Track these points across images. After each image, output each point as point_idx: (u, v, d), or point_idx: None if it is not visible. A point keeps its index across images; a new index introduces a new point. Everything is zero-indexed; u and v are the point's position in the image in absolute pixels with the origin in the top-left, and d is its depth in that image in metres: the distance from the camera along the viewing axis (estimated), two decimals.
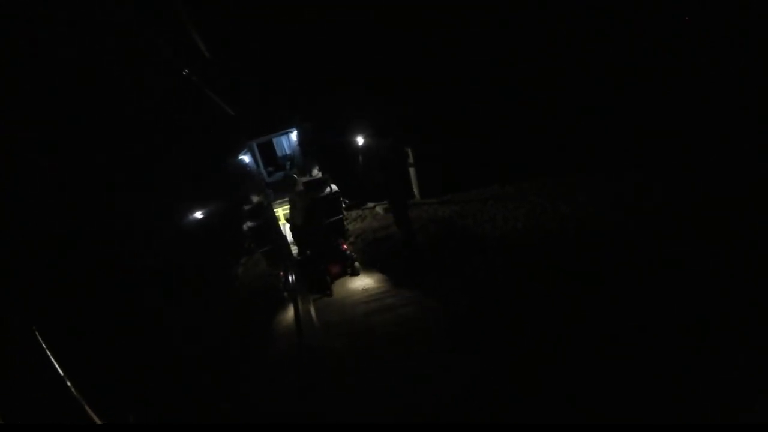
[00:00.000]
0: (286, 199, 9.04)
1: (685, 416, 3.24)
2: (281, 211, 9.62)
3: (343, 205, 9.43)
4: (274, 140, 10.49)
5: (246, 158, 8.93)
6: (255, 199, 9.01)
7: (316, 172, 9.75)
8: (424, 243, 8.30)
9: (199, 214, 8.22)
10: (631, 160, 9.13)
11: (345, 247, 8.43)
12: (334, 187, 9.49)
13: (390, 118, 9.67)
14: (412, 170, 10.70)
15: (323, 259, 8.09)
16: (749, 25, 8.44)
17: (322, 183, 9.43)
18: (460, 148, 10.50)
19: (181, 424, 1.27)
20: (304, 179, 9.36)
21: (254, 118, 8.72)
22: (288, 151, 10.73)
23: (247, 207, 8.91)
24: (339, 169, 9.19)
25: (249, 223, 9.15)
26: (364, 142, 9.64)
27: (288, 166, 10.18)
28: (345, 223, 10.03)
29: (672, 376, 3.62)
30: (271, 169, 10.16)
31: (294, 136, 9.95)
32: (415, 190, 10.84)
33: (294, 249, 9.18)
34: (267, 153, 10.04)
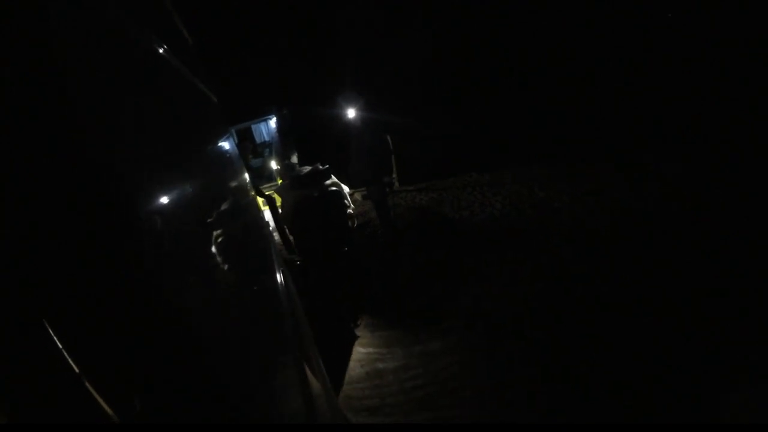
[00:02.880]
0: (273, 184, 8.51)
1: (661, 415, 3.42)
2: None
3: (350, 210, 7.49)
4: (253, 127, 10.43)
5: (226, 145, 8.66)
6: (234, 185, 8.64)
7: (294, 159, 9.72)
8: (409, 240, 8.42)
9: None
10: (613, 151, 9.30)
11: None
12: (335, 180, 7.63)
13: (372, 106, 9.71)
14: (392, 157, 10.82)
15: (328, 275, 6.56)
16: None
17: (319, 176, 7.46)
18: (439, 136, 10.68)
19: (181, 424, 1.31)
20: (303, 170, 7.64)
21: (235, 103, 8.61)
22: (267, 138, 10.69)
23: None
24: (318, 156, 9.15)
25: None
26: (349, 126, 9.63)
27: (266, 153, 10.11)
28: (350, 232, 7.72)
29: (646, 372, 3.81)
30: (250, 156, 10.09)
31: (273, 122, 9.91)
32: (395, 178, 10.98)
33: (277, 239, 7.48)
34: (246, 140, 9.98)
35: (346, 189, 7.66)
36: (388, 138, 10.31)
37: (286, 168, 7.54)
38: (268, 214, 7.71)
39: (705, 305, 4.36)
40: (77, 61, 1.33)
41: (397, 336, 6.20)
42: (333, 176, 7.61)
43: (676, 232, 5.75)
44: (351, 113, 9.17)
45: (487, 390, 4.91)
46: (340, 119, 9.44)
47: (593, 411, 3.91)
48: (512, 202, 8.30)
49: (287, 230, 7.09)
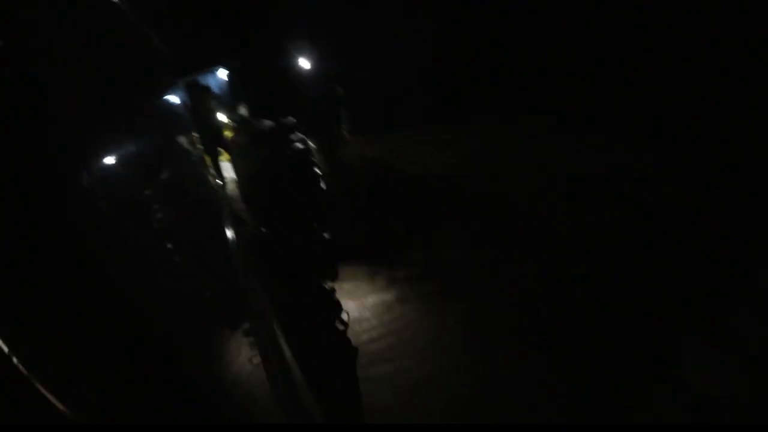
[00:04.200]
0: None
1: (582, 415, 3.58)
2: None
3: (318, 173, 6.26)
4: (200, 81, 9.84)
5: (174, 99, 7.98)
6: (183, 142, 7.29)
7: (243, 111, 9.25)
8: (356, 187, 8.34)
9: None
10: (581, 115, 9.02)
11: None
12: (301, 136, 6.23)
13: (324, 57, 9.33)
14: (343, 109, 10.58)
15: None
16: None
17: (284, 132, 6.07)
18: (392, 89, 10.43)
19: (181, 424, 1.28)
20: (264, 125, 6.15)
21: (183, 55, 7.95)
22: (216, 92, 10.12)
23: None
24: (269, 108, 8.67)
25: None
26: (301, 77, 9.23)
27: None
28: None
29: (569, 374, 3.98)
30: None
31: (222, 75, 9.35)
32: (345, 129, 10.79)
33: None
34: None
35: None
36: (340, 89, 10.03)
37: (243, 123, 6.57)
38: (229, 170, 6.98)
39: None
40: None
41: (348, 289, 6.27)
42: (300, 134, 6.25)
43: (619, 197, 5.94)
44: (303, 63, 8.81)
45: (443, 338, 5.11)
46: (293, 69, 9.03)
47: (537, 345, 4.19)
48: (464, 158, 8.34)
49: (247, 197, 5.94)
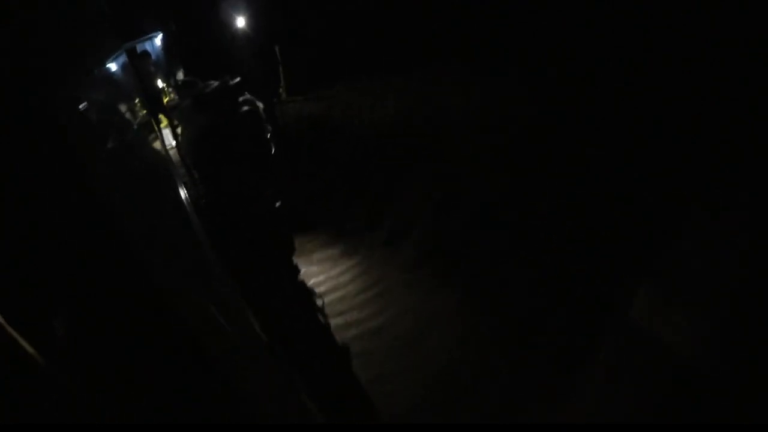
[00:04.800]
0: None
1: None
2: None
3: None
4: (138, 47, 9.38)
5: (113, 66, 7.34)
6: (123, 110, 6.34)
7: (180, 76, 8.93)
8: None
9: None
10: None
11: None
12: (248, 96, 5.72)
13: (260, 14, 9.09)
14: (280, 68, 10.45)
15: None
16: None
17: (230, 93, 5.57)
18: (325, 41, 10.35)
19: (181, 424, 1.37)
20: (208, 86, 5.60)
21: (123, 19, 7.46)
22: (153, 58, 9.69)
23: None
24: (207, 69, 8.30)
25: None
26: (236, 36, 8.97)
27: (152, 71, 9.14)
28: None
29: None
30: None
31: (158, 41, 8.95)
32: (282, 88, 10.69)
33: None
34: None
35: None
36: (276, 48, 9.89)
37: (185, 86, 6.03)
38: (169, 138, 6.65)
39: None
40: None
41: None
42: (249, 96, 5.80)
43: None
44: (239, 22, 8.61)
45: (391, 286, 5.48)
46: (229, 29, 8.79)
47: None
48: (403, 109, 8.51)
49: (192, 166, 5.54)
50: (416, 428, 3.77)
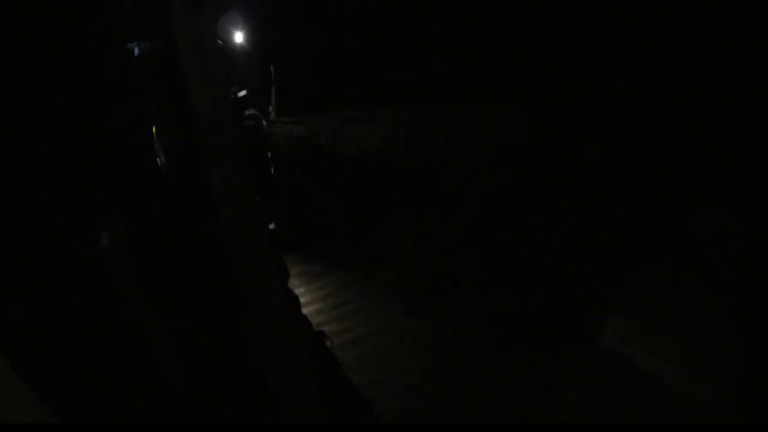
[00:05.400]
0: None
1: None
2: None
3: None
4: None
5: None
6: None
7: None
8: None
9: None
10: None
11: None
12: (253, 111, 5.00)
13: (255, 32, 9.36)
14: (272, 88, 10.70)
15: None
16: None
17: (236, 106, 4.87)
18: (319, 69, 10.70)
19: (181, 424, 1.39)
20: None
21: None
22: None
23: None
24: None
25: None
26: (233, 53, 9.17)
27: None
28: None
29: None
30: None
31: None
32: (272, 108, 10.92)
33: None
34: None
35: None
36: (271, 68, 10.16)
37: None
38: None
39: None
40: None
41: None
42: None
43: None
44: (237, 38, 8.80)
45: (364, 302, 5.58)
46: (228, 45, 8.96)
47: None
48: (388, 140, 8.88)
49: None
50: (416, 428, 3.82)
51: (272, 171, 5.82)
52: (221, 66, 1.80)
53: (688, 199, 4.71)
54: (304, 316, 4.76)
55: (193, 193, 1.61)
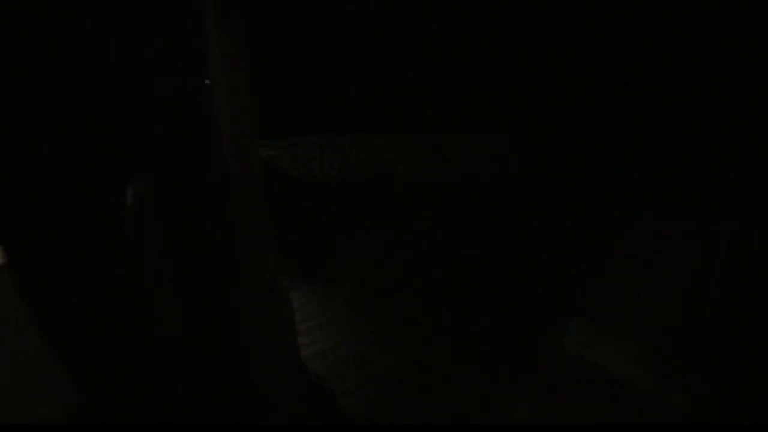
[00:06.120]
0: None
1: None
2: None
3: None
4: None
5: None
6: None
7: None
8: None
9: None
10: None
11: None
12: None
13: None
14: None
15: None
16: None
17: None
18: (282, 95, 10.77)
19: (181, 424, 1.39)
20: None
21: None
22: None
23: None
24: None
25: None
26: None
27: None
28: None
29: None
30: None
31: None
32: None
33: None
34: None
35: None
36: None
37: None
38: None
39: None
40: None
41: None
42: None
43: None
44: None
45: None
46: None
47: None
48: (350, 164, 9.04)
49: None
50: (415, 428, 3.87)
51: None
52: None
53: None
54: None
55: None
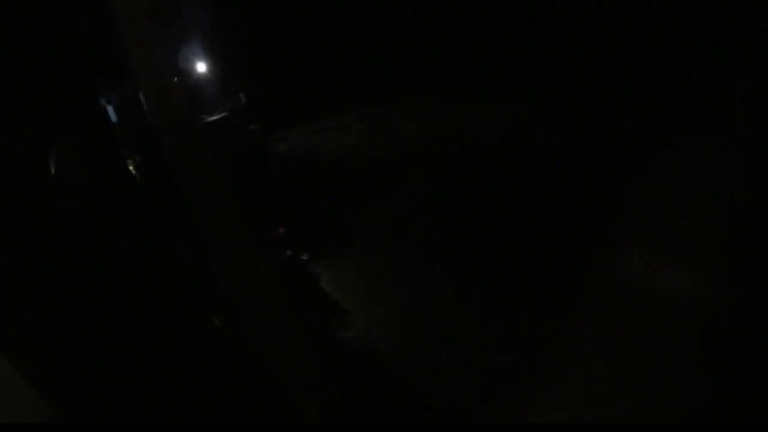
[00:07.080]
0: None
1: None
2: None
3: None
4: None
5: None
6: None
7: None
8: None
9: None
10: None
11: None
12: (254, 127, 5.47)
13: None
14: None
15: None
16: None
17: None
18: (286, 88, 10.69)
19: (180, 424, 1.39)
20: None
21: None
22: None
23: None
24: None
25: None
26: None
27: None
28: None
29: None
30: None
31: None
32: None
33: None
34: None
35: None
36: (242, 96, 10.18)
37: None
38: None
39: None
40: None
41: None
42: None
43: None
44: (200, 67, 8.91)
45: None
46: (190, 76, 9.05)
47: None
48: (357, 142, 8.96)
49: None
50: (414, 428, 3.74)
51: (275, 182, 5.63)
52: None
53: None
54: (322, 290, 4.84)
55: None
